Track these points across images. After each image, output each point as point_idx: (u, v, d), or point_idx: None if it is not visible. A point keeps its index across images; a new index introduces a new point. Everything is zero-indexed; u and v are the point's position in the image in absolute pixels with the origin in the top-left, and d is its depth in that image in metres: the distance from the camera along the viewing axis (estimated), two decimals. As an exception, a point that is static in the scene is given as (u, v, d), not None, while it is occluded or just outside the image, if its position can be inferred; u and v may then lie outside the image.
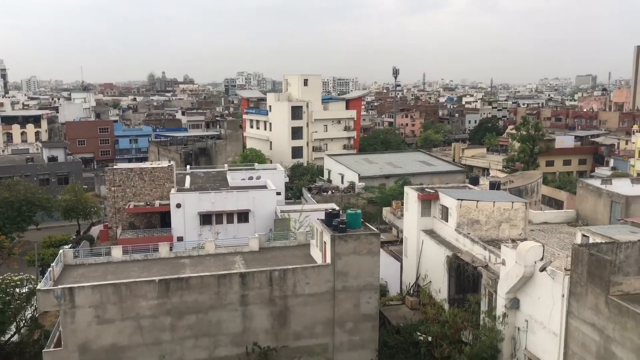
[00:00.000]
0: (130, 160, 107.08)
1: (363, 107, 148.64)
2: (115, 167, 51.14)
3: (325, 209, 40.61)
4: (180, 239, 45.77)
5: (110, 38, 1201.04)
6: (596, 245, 23.53)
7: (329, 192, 66.45)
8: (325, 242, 32.03)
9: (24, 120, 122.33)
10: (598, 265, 22.09)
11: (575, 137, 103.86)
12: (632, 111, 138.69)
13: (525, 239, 31.06)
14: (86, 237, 59.39)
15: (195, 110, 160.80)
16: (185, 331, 29.66)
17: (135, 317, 28.90)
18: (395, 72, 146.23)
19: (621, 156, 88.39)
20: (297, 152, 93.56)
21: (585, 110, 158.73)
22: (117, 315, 28.69)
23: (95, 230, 61.24)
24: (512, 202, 34.07)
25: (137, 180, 49.46)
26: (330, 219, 32.76)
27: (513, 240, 30.59)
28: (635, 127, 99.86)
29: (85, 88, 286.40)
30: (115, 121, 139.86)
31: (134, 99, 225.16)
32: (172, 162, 54.33)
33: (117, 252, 34.47)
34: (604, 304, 21.81)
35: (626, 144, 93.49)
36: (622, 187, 39.07)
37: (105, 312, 28.51)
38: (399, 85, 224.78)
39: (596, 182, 40.80)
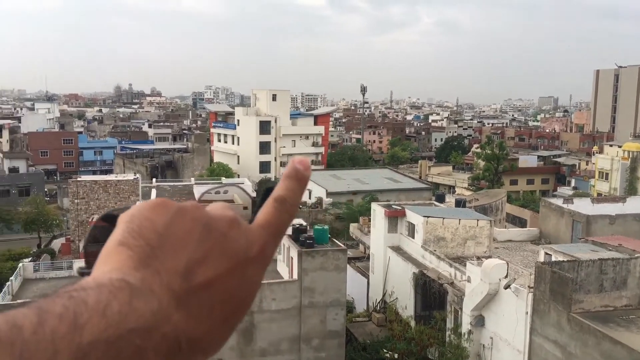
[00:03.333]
0: (94, 173, 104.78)
1: (331, 123, 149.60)
2: (79, 179, 50.09)
3: (293, 225, 40.48)
4: (145, 253, 44.93)
5: (75, 48, 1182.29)
6: (558, 263, 24.10)
7: (297, 208, 66.27)
8: (292, 258, 31.90)
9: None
10: (560, 283, 22.59)
11: (538, 157, 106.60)
12: (592, 133, 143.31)
13: (490, 257, 31.56)
14: (47, 251, 57.76)
15: (162, 123, 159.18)
16: (149, 348, 28.98)
17: (96, 334, 28.11)
18: (363, 89, 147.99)
19: (582, 176, 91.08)
20: (265, 166, 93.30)
21: (547, 130, 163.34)
22: (78, 332, 27.85)
23: (56, 244, 59.64)
24: (478, 220, 34.65)
25: (101, 193, 48.52)
26: (297, 235, 32.66)
27: (478, 258, 31.08)
28: (595, 148, 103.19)
29: (50, 98, 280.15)
30: (80, 132, 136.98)
31: (100, 111, 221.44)
32: (138, 175, 53.55)
33: (79, 266, 33.56)
34: (566, 321, 22.28)
35: (587, 164, 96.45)
36: (583, 206, 40.16)
37: (65, 328, 27.65)
38: (366, 103, 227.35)
39: (558, 202, 41.84)
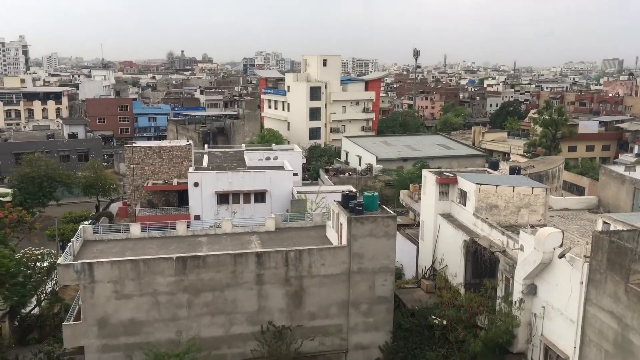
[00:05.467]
0: (149, 139, 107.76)
1: (382, 88, 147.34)
2: (134, 145, 51.51)
3: (342, 191, 40.47)
4: (197, 217, 46.11)
5: (129, 17, 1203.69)
6: (617, 233, 23.12)
7: (346, 174, 66.27)
8: (341, 224, 31.98)
9: (44, 97, 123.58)
10: (618, 253, 21.72)
11: (600, 122, 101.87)
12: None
13: (544, 225, 30.65)
14: (105, 214, 60.32)
15: (213, 90, 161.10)
16: (202, 308, 29.98)
17: (152, 294, 29.28)
18: (416, 54, 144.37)
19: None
20: (314, 133, 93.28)
21: (610, 95, 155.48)
22: (135, 291, 29.08)
23: (114, 207, 62.06)
24: (532, 188, 33.59)
25: (155, 159, 49.79)
26: (347, 201, 32.66)
27: (532, 226, 30.23)
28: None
29: (105, 66, 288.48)
30: (135, 99, 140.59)
31: (153, 77, 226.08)
32: (190, 141, 54.55)
33: (135, 229, 34.82)
34: (624, 291, 21.49)
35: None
36: (646, 174, 38.29)
37: (123, 287, 28.91)
38: (419, 67, 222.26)
39: (619, 169, 39.99)
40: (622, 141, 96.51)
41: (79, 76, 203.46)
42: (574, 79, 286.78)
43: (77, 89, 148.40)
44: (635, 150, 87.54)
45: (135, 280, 28.99)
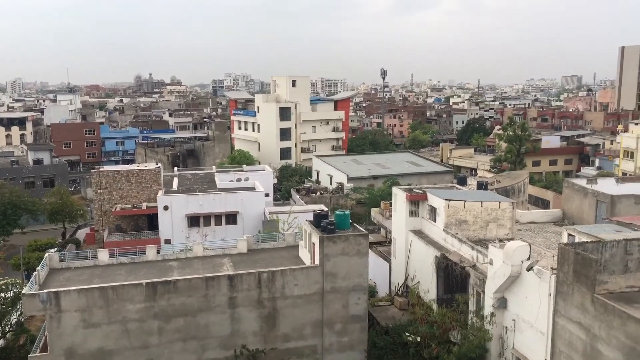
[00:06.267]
0: (117, 163, 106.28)
1: (351, 108, 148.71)
2: (101, 169, 50.77)
3: (314, 210, 40.53)
4: (167, 241, 45.52)
5: (95, 39, 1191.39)
6: (582, 245, 23.71)
7: (318, 193, 66.41)
8: (313, 243, 32.00)
9: (8, 123, 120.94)
10: (584, 264, 22.27)
11: (561, 137, 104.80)
12: (616, 111, 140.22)
13: (512, 239, 31.25)
14: (72, 241, 58.96)
15: (182, 112, 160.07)
16: (173, 334, 29.46)
17: (122, 321, 28.65)
18: (383, 73, 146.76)
19: (606, 156, 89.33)
20: (285, 153, 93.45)
21: (570, 110, 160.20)
22: (104, 319, 28.42)
23: (81, 234, 60.80)
24: (499, 202, 34.27)
25: (123, 183, 49.14)
26: (318, 220, 32.73)
27: (500, 240, 30.80)
28: (620, 127, 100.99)
29: (71, 90, 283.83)
30: (102, 123, 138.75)
31: (121, 101, 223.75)
32: (160, 164, 54.08)
33: (103, 256, 34.16)
34: (590, 302, 21.98)
35: (611, 143, 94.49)
36: (607, 186, 39.45)
37: (91, 316, 28.24)
38: (387, 86, 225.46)
39: (582, 182, 41.16)
40: (583, 155, 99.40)
41: (44, 101, 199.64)
42: (535, 95, 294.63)
43: (42, 114, 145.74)
44: (597, 164, 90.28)
45: (104, 308, 28.37)
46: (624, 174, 70.45)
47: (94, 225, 51.79)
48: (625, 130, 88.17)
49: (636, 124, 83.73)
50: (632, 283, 23.26)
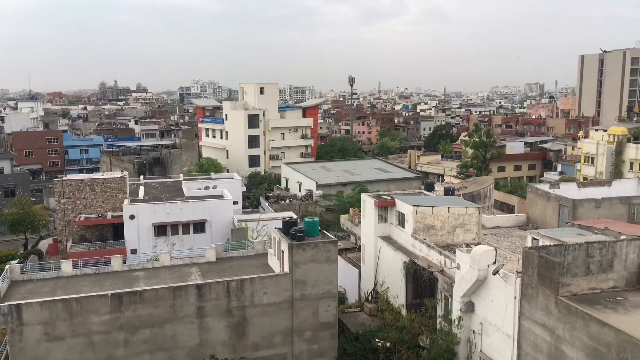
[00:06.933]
0: (80, 171, 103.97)
1: (320, 115, 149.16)
2: (64, 178, 49.58)
3: (283, 218, 40.44)
4: (134, 251, 44.66)
5: (58, 46, 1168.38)
6: (545, 248, 24.24)
7: (287, 201, 66.27)
8: (283, 251, 31.88)
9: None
10: (547, 267, 22.75)
11: (525, 143, 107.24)
12: (577, 118, 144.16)
13: (478, 243, 31.74)
14: (34, 252, 57.27)
15: (149, 119, 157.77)
16: (140, 346, 28.90)
17: (87, 334, 27.99)
18: (351, 81, 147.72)
19: (568, 161, 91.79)
20: (254, 160, 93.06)
21: (534, 117, 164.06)
22: (68, 332, 27.71)
23: (44, 244, 59.12)
24: (466, 208, 34.78)
25: (88, 192, 48.09)
26: (288, 228, 32.64)
27: (467, 245, 31.25)
28: (580, 133, 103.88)
29: (33, 97, 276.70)
30: (65, 131, 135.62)
31: (85, 108, 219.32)
32: (125, 173, 53.12)
33: (67, 267, 33.33)
34: (554, 304, 22.46)
35: (572, 149, 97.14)
36: (569, 191, 40.46)
37: (55, 329, 27.50)
38: (355, 94, 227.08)
39: (545, 187, 42.08)
40: (546, 160, 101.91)
41: (4, 109, 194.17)
42: (500, 102, 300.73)
43: (2, 122, 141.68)
44: (559, 169, 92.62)
45: (68, 321, 27.65)
46: (585, 178, 72.35)
47: (57, 236, 50.46)
48: (586, 136, 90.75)
49: (596, 130, 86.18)
50: (594, 285, 23.90)
